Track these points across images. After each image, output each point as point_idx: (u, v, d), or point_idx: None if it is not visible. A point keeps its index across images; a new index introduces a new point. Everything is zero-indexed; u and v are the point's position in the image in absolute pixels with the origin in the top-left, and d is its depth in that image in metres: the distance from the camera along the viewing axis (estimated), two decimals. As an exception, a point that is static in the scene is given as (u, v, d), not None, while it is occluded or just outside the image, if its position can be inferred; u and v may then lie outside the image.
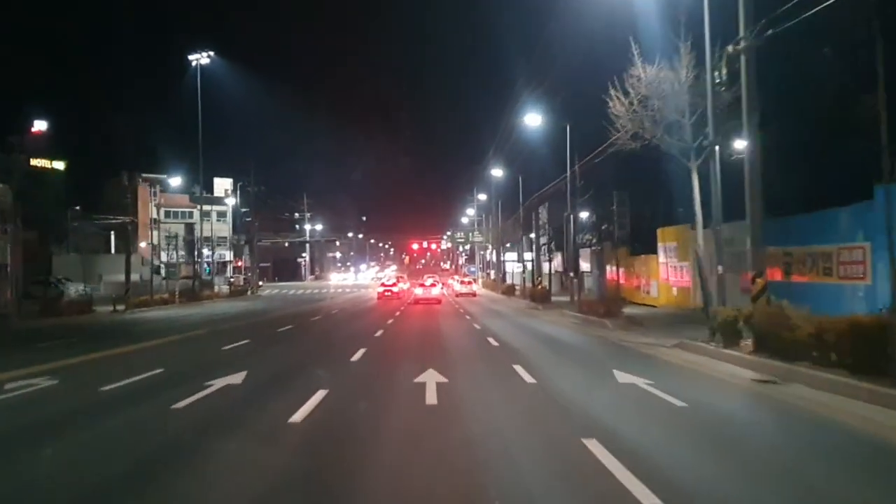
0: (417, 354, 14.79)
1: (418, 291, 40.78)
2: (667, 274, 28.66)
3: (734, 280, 17.40)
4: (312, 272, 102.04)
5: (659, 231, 28.14)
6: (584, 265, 43.51)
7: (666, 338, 16.07)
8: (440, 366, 12.24)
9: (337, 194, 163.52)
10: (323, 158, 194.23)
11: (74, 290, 42.23)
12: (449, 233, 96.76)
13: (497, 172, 44.26)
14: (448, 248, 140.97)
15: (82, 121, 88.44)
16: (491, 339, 18.34)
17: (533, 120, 29.42)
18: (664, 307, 26.83)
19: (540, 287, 37.24)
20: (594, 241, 41.33)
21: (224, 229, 79.68)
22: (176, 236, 58.90)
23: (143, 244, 68.99)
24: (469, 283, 54.47)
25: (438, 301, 39.68)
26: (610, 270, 36.26)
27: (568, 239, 31.12)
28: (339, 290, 70.89)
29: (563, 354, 15.22)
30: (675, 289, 27.73)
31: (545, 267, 52.45)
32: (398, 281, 54.44)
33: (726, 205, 15.29)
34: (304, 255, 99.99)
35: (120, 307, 37.83)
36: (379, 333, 20.53)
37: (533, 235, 44.20)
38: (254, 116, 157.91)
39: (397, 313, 30.50)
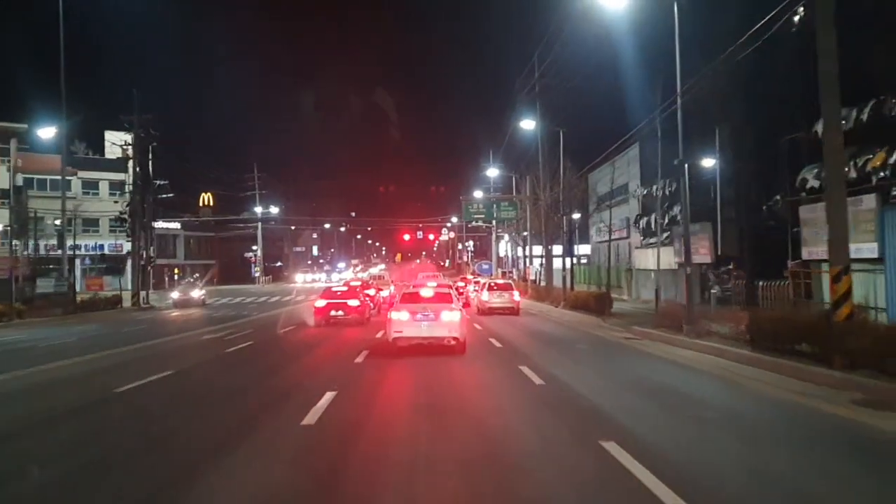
0: None
1: (401, 317, 13.69)
2: None
3: None
4: (267, 272, 75.39)
5: None
6: (813, 249, 17.24)
7: None
8: None
9: (318, 178, 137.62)
10: (297, 129, 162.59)
11: None
12: (456, 216, 70.60)
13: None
14: (449, 241, 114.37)
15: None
16: None
17: None
18: None
19: (847, 309, 10.59)
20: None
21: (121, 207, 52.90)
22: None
23: None
24: (506, 287, 28.28)
25: (457, 346, 13.58)
26: None
27: None
28: (289, 298, 44.92)
29: None
30: None
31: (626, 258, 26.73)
32: (367, 286, 28.30)
33: None
34: (254, 247, 73.37)
35: None
36: None
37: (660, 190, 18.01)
38: (191, 55, 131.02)
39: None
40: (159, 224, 70.30)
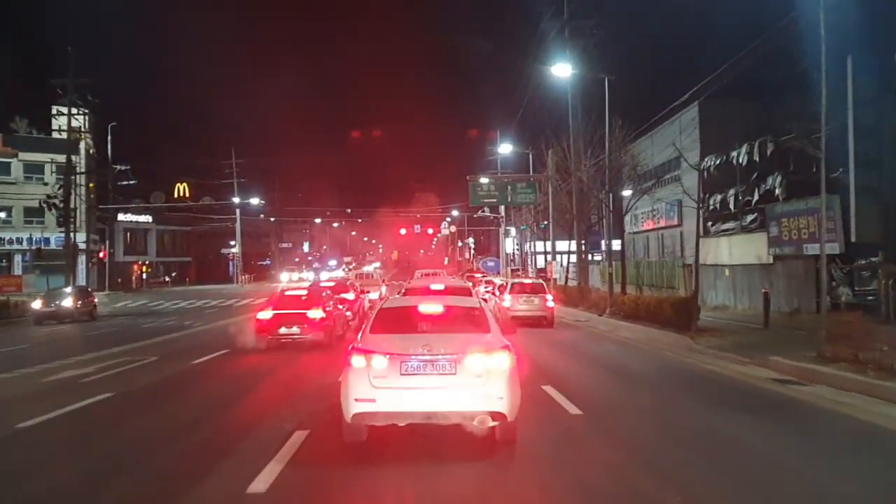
0: None
1: (375, 365, 6.38)
2: None
3: None
4: (252, 270, 67.91)
5: None
6: None
7: None
8: None
9: (309, 166, 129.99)
10: (284, 109, 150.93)
11: None
12: (457, 210, 63.15)
13: None
14: (450, 236, 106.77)
15: None
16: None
17: None
18: None
19: None
20: None
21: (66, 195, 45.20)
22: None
23: None
24: (536, 288, 20.84)
25: (501, 432, 6.11)
26: None
27: None
28: (262, 301, 37.13)
29: None
30: None
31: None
32: (343, 288, 20.69)
33: None
34: (231, 243, 65.85)
35: None
36: None
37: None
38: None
39: None
40: (128, 217, 62.87)
